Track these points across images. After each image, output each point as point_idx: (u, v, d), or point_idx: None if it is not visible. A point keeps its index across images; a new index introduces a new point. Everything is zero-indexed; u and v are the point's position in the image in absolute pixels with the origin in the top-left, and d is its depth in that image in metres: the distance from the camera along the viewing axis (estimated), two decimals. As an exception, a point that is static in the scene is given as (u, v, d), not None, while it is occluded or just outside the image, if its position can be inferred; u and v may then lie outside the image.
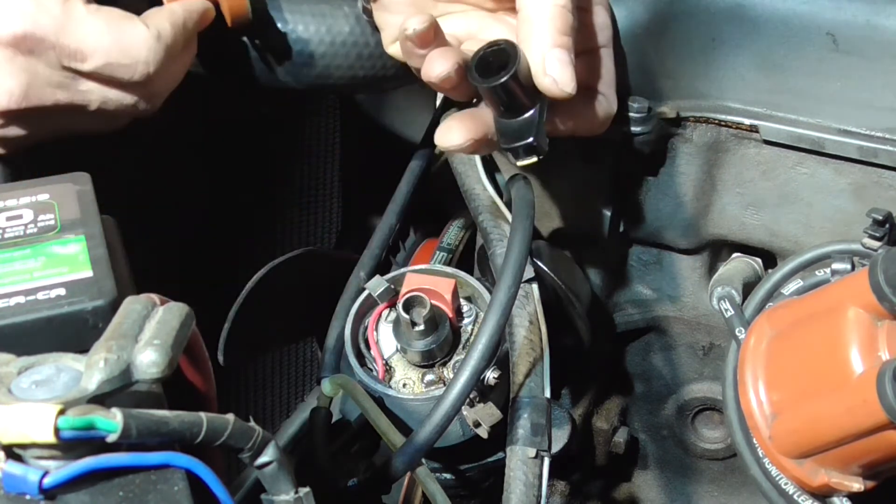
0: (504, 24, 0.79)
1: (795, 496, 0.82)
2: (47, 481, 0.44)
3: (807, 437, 0.77)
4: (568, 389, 1.06)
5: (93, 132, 0.80)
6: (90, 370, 0.46)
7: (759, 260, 0.96)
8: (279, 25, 0.88)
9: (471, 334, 0.82)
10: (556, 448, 0.74)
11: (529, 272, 0.80)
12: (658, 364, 1.07)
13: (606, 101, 0.80)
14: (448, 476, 0.84)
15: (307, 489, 0.52)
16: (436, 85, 0.73)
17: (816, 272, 0.85)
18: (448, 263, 0.99)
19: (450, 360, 0.81)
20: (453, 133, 0.73)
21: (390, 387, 0.79)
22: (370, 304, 0.83)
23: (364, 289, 0.83)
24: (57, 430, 0.43)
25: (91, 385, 0.46)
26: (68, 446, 0.44)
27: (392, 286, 0.82)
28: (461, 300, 0.83)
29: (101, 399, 0.46)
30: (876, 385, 0.69)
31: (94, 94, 0.76)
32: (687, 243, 0.98)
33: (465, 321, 0.83)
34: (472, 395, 0.75)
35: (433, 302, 0.78)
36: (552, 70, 0.70)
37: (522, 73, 0.70)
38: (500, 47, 0.71)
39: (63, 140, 0.80)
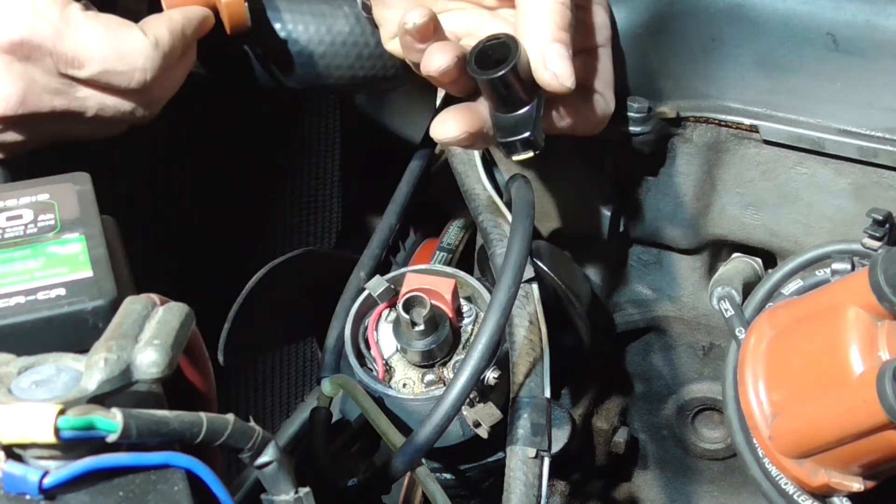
0: (503, 21, 0.79)
1: (795, 496, 0.82)
2: (47, 481, 0.44)
3: (807, 437, 0.77)
4: (568, 389, 1.06)
5: (90, 138, 0.80)
6: (90, 370, 0.46)
7: (759, 260, 0.96)
8: (279, 26, 0.88)
9: (471, 334, 0.82)
10: (556, 448, 0.74)
11: (529, 272, 0.80)
12: (658, 364, 1.07)
13: (604, 101, 0.80)
14: (448, 476, 0.84)
15: (307, 489, 0.52)
16: (435, 79, 0.73)
17: (816, 272, 0.85)
18: (448, 263, 0.99)
19: (450, 360, 0.81)
20: (448, 125, 0.73)
21: (390, 387, 0.79)
22: (370, 304, 0.83)
23: (364, 289, 0.83)
24: (57, 430, 0.43)
25: (91, 385, 0.46)
26: (68, 446, 0.44)
27: (392, 286, 0.82)
28: (461, 300, 0.84)
29: (101, 399, 0.46)
30: (876, 385, 0.69)
31: (92, 101, 0.76)
32: (687, 243, 0.98)
33: (465, 321, 0.83)
34: (472, 395, 0.75)
35: (433, 302, 0.78)
36: (552, 64, 0.70)
37: (522, 66, 0.71)
38: (501, 40, 0.71)
39: (61, 145, 0.80)
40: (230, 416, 0.48)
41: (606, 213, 0.96)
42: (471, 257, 0.99)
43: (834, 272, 0.83)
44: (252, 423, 0.49)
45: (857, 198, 0.87)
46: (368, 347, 0.81)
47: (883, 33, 0.81)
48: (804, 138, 0.86)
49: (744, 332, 0.85)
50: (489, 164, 0.91)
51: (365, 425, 0.76)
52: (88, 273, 0.55)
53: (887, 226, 0.82)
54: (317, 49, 0.89)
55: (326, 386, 0.80)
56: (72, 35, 0.72)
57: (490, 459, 0.84)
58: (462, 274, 0.84)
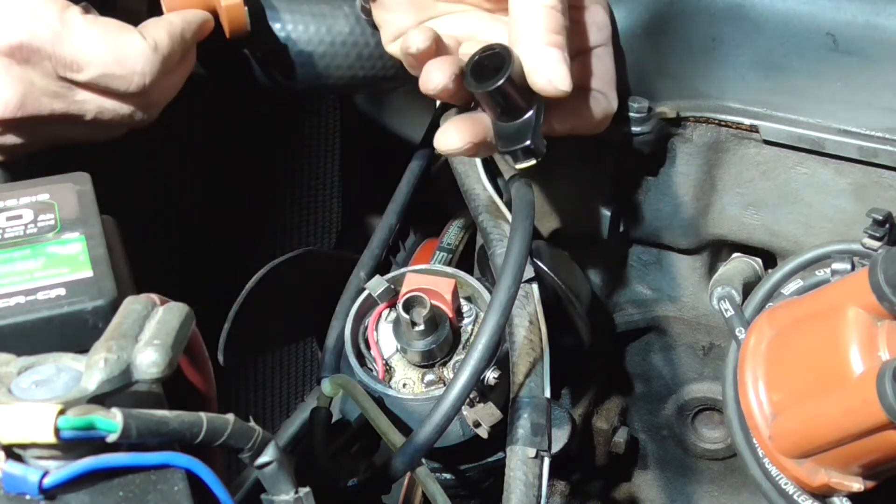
0: (503, 24, 0.79)
1: (795, 496, 0.82)
2: (47, 481, 0.44)
3: (807, 437, 0.77)
4: (568, 389, 1.06)
5: (89, 141, 0.80)
6: (90, 370, 0.46)
7: (759, 260, 0.96)
8: (278, 27, 0.88)
9: (471, 334, 0.82)
10: (556, 448, 0.74)
11: (529, 272, 0.80)
12: (658, 364, 1.07)
13: (606, 100, 0.80)
14: (448, 476, 0.84)
15: (307, 489, 0.52)
16: (433, 95, 0.73)
17: (816, 272, 0.85)
18: (448, 263, 0.99)
19: (450, 360, 0.81)
20: (452, 136, 0.74)
21: (390, 387, 0.79)
22: (370, 304, 0.83)
23: (364, 289, 0.83)
24: (57, 430, 0.43)
25: (91, 385, 0.46)
26: (68, 446, 0.44)
27: (392, 286, 0.82)
28: (461, 300, 0.84)
29: (101, 399, 0.46)
30: (876, 385, 0.69)
31: (91, 105, 0.76)
32: (687, 243, 0.98)
33: (465, 321, 0.83)
34: (472, 395, 0.75)
35: (433, 302, 0.78)
36: (546, 69, 0.70)
37: (517, 75, 0.71)
38: (495, 51, 0.71)
39: (60, 146, 0.80)
40: (230, 416, 0.48)
41: (606, 213, 0.96)
42: (471, 257, 0.99)
43: (834, 272, 0.83)
44: (252, 423, 0.49)
45: (857, 198, 0.87)
46: (368, 347, 0.81)
47: (883, 33, 0.81)
48: (804, 138, 0.86)
49: (744, 332, 0.85)
50: (489, 165, 0.91)
51: (365, 425, 0.76)
52: (88, 273, 0.55)
53: (887, 226, 0.82)
54: (317, 49, 0.89)
55: (326, 386, 0.80)
56: (71, 38, 0.72)
57: (490, 459, 0.84)
58: (462, 274, 0.84)
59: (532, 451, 0.72)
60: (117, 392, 0.46)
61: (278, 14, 0.88)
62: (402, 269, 0.85)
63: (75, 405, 0.44)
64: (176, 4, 0.81)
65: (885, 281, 0.71)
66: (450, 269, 0.85)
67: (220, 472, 0.48)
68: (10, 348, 0.49)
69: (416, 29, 0.74)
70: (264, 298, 0.87)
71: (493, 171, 0.91)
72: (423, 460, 0.72)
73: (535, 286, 0.80)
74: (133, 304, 0.50)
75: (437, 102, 0.93)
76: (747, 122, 0.88)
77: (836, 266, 0.82)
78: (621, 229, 0.98)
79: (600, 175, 0.95)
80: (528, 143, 0.72)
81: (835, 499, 0.81)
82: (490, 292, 0.80)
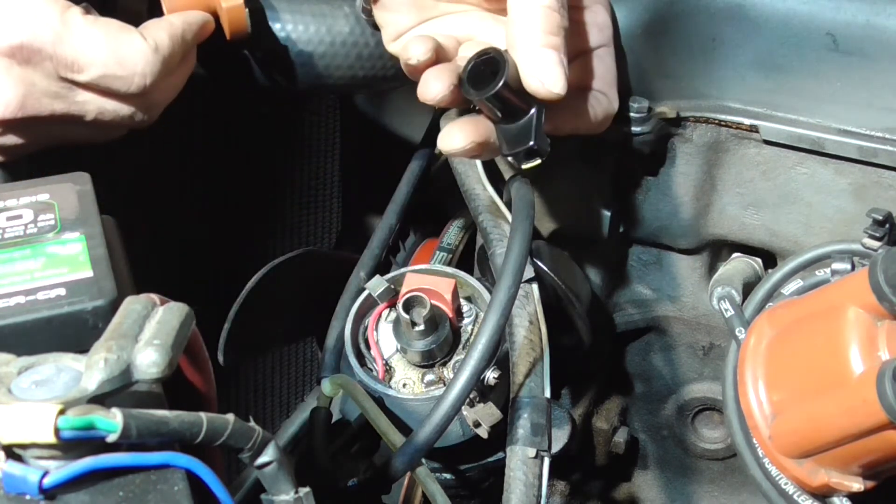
0: (503, 24, 0.79)
1: (795, 496, 0.82)
2: (47, 481, 0.44)
3: (807, 437, 0.77)
4: (568, 389, 1.06)
5: (89, 142, 0.80)
6: (90, 370, 0.46)
7: (759, 260, 0.96)
8: (278, 27, 0.88)
9: (471, 334, 0.82)
10: (556, 448, 0.74)
11: (529, 272, 0.80)
12: (658, 364, 1.07)
13: (607, 100, 0.80)
14: (448, 476, 0.84)
15: (307, 489, 0.52)
16: (432, 104, 0.73)
17: (816, 272, 0.85)
18: (448, 263, 0.99)
19: (450, 360, 0.81)
20: (455, 136, 0.74)
21: (390, 387, 0.79)
22: (370, 304, 0.83)
23: (364, 289, 0.83)
24: (57, 430, 0.43)
25: (91, 385, 0.46)
26: (68, 446, 0.44)
27: (392, 286, 0.82)
28: (461, 300, 0.84)
29: (101, 399, 0.46)
30: (876, 385, 0.69)
31: (91, 105, 0.76)
32: (687, 243, 0.98)
33: (465, 321, 0.83)
34: (472, 395, 0.75)
35: (433, 302, 0.78)
36: (539, 72, 0.70)
37: (513, 78, 0.70)
38: (490, 56, 0.71)
39: (61, 146, 0.80)
40: (230, 416, 0.48)
41: (606, 213, 0.96)
42: (471, 257, 0.99)
43: (834, 272, 0.83)
44: (252, 423, 0.49)
45: (857, 198, 0.87)
46: (368, 347, 0.81)
47: (883, 33, 0.81)
48: (804, 138, 0.86)
49: (744, 332, 0.85)
50: (489, 165, 0.91)
51: (365, 425, 0.76)
52: (88, 273, 0.55)
53: (887, 226, 0.82)
54: (317, 49, 0.89)
55: (326, 386, 0.80)
56: (72, 39, 0.72)
57: (490, 459, 0.84)
58: (462, 274, 0.84)
59: (532, 451, 0.72)
60: (117, 392, 0.46)
61: (278, 14, 0.88)
62: (402, 269, 0.85)
63: (75, 405, 0.44)
64: (177, 6, 0.81)
65: (885, 281, 0.71)
66: (450, 269, 0.85)
67: (220, 472, 0.48)
68: (10, 348, 0.49)
69: (416, 38, 0.74)
70: (264, 298, 0.87)
71: (493, 172, 0.91)
72: (423, 460, 0.72)
73: (535, 286, 0.80)
74: (133, 304, 0.50)
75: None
76: (747, 122, 0.88)
77: (836, 266, 0.82)
78: (621, 229, 0.98)
79: (600, 175, 0.95)
80: (531, 144, 0.72)
81: (835, 499, 0.81)
82: (490, 292, 0.80)
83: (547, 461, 0.73)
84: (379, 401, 0.77)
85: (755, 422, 0.81)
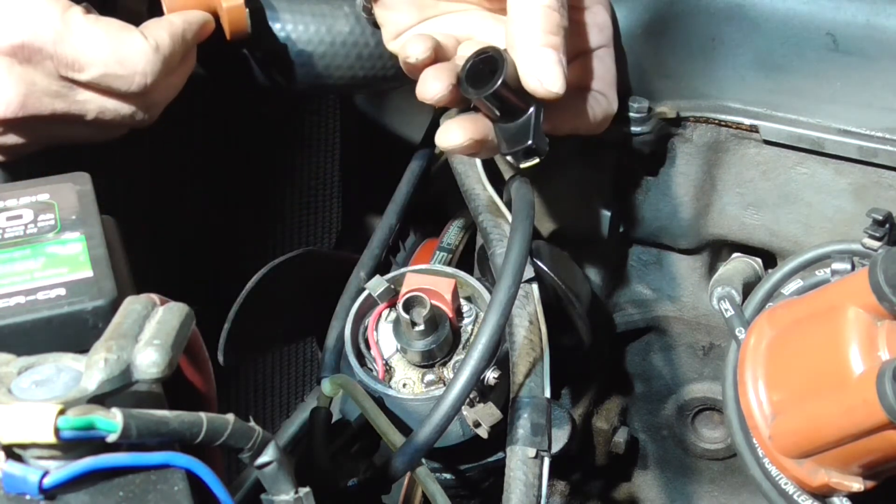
0: (503, 24, 0.79)
1: (795, 496, 0.82)
2: (47, 481, 0.44)
3: (807, 437, 0.77)
4: (568, 389, 1.06)
5: (89, 141, 0.80)
6: (90, 370, 0.46)
7: (759, 260, 0.96)
8: (278, 27, 0.88)
9: (471, 334, 0.82)
10: (556, 448, 0.74)
11: (529, 272, 0.80)
12: (658, 364, 1.07)
13: (606, 101, 0.80)
14: (448, 476, 0.84)
15: (307, 489, 0.52)
16: (431, 103, 0.74)
17: (816, 272, 0.85)
18: (448, 263, 0.99)
19: (450, 360, 0.81)
20: (454, 133, 0.74)
21: (390, 387, 0.79)
22: (370, 304, 0.83)
23: (364, 289, 0.83)
24: (57, 430, 0.43)
25: (91, 385, 0.45)
26: (68, 446, 0.44)
27: (392, 286, 0.82)
28: (461, 300, 0.84)
29: (101, 399, 0.45)
30: (876, 385, 0.69)
31: (92, 105, 0.76)
32: (687, 243, 0.98)
33: (465, 321, 0.83)
34: (472, 395, 0.75)
35: (433, 302, 0.78)
36: (538, 71, 0.70)
37: (511, 77, 0.70)
38: (489, 55, 0.71)
39: (61, 146, 0.80)
40: (230, 416, 0.48)
41: (606, 213, 0.96)
42: (471, 257, 0.99)
43: (834, 272, 0.83)
44: (252, 423, 0.49)
45: (857, 198, 0.87)
46: (368, 347, 0.81)
47: (883, 33, 0.81)
48: (804, 138, 0.86)
49: (744, 332, 0.85)
50: (489, 165, 0.91)
51: (365, 425, 0.76)
52: (88, 273, 0.55)
53: (887, 226, 0.82)
54: (317, 49, 0.89)
55: (326, 386, 0.80)
56: (73, 38, 0.72)
57: (490, 459, 0.84)
58: (462, 274, 0.84)
59: (532, 451, 0.72)
60: (117, 392, 0.46)
61: (278, 14, 0.88)
62: (402, 269, 0.85)
63: (75, 405, 0.44)
64: (177, 5, 0.81)
65: (885, 281, 0.71)
66: (450, 269, 0.85)
67: (220, 472, 0.48)
68: (10, 348, 0.49)
69: (414, 36, 0.74)
70: (264, 298, 0.87)
71: (493, 172, 0.91)
72: (423, 460, 0.72)
73: (535, 286, 0.80)
74: (133, 304, 0.50)
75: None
76: (747, 122, 0.88)
77: (836, 266, 0.82)
78: (621, 229, 0.98)
79: (600, 175, 0.95)
80: (529, 143, 0.72)
81: (835, 499, 0.81)
82: (490, 292, 0.80)
83: (547, 461, 0.73)
84: (379, 401, 0.77)
85: (755, 422, 0.81)
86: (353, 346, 0.80)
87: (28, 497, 0.44)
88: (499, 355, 0.77)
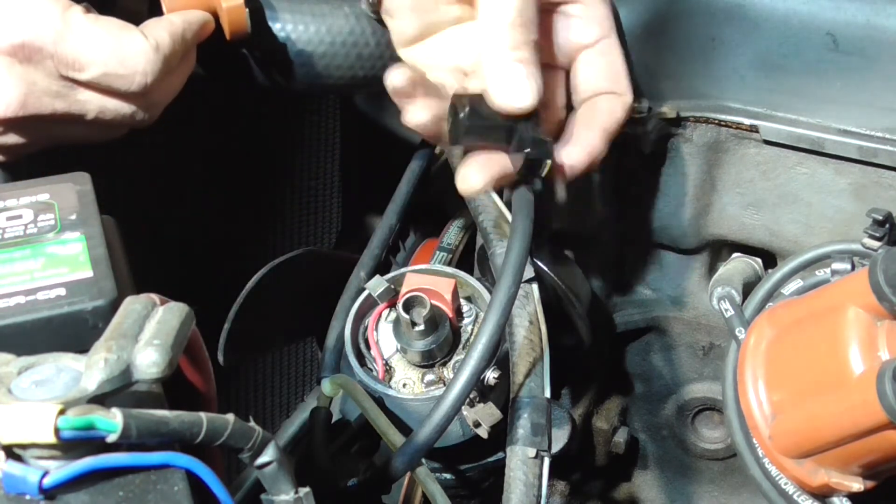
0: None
1: (795, 496, 0.82)
2: (47, 481, 0.44)
3: (807, 437, 0.77)
4: (568, 389, 1.06)
5: (90, 141, 0.80)
6: (90, 370, 0.46)
7: (759, 260, 0.96)
8: (278, 27, 0.88)
9: (471, 334, 0.82)
10: (556, 448, 0.74)
11: (529, 272, 0.80)
12: (658, 364, 1.07)
13: (617, 97, 0.79)
14: (448, 476, 0.84)
15: (307, 489, 0.52)
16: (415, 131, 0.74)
17: (816, 272, 0.85)
18: (448, 263, 0.99)
19: (450, 360, 0.81)
20: (474, 178, 0.74)
21: (390, 387, 0.79)
22: (370, 304, 0.83)
23: (364, 289, 0.83)
24: (57, 430, 0.43)
25: (91, 385, 0.45)
26: (68, 446, 0.44)
27: (392, 286, 0.82)
28: (461, 300, 0.84)
29: (101, 399, 0.45)
30: (876, 385, 0.69)
31: (92, 104, 0.76)
32: (687, 243, 0.98)
33: (465, 321, 0.83)
34: (472, 395, 0.76)
35: (433, 302, 0.78)
36: (501, 89, 0.70)
37: (485, 106, 0.71)
38: (451, 103, 0.72)
39: (61, 146, 0.80)
40: (230, 416, 0.48)
41: (606, 213, 0.96)
42: (471, 257, 0.99)
43: (834, 272, 0.83)
44: (252, 423, 0.49)
45: (857, 198, 0.87)
46: (368, 347, 0.81)
47: (883, 33, 0.81)
48: (804, 138, 0.86)
49: (744, 332, 0.85)
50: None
51: (365, 425, 0.76)
52: (88, 273, 0.55)
53: (887, 226, 0.82)
54: (317, 49, 0.89)
55: (326, 386, 0.80)
56: (73, 38, 0.72)
57: (490, 459, 0.84)
58: (462, 274, 0.84)
59: (532, 451, 0.72)
60: (117, 392, 0.46)
61: (278, 14, 0.88)
62: (402, 269, 0.85)
63: (75, 405, 0.44)
64: (176, 5, 0.81)
65: (885, 281, 0.71)
66: (450, 269, 0.85)
67: (220, 472, 0.48)
68: (10, 348, 0.49)
69: (396, 67, 0.74)
70: (264, 298, 0.87)
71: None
72: (423, 460, 0.72)
73: (535, 286, 0.80)
74: (133, 304, 0.50)
75: None
76: (747, 122, 0.88)
77: (836, 266, 0.82)
78: (621, 229, 0.98)
79: (600, 175, 0.95)
80: (527, 151, 0.72)
81: (835, 499, 0.81)
82: (490, 292, 0.80)
83: (547, 461, 0.73)
84: (379, 401, 0.77)
85: (755, 422, 0.81)
86: (353, 346, 0.80)
87: (28, 497, 0.44)
88: (499, 355, 0.77)
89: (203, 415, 0.47)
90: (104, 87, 0.75)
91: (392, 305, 0.83)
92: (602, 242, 0.98)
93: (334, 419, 0.81)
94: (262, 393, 1.28)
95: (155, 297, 0.51)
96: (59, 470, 0.44)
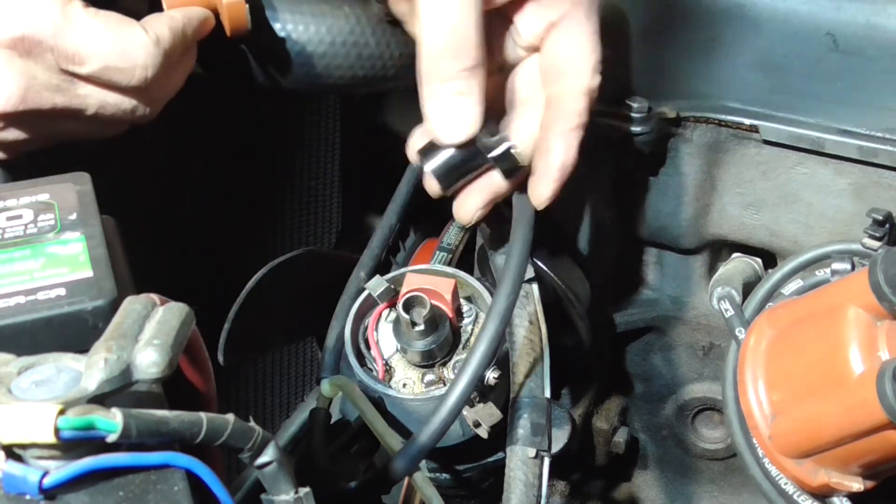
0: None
1: (795, 496, 0.82)
2: (47, 481, 0.44)
3: (806, 437, 0.77)
4: (568, 389, 1.06)
5: (91, 138, 0.80)
6: (90, 370, 0.46)
7: (759, 260, 0.96)
8: (278, 26, 0.88)
9: (471, 334, 0.82)
10: (556, 448, 0.74)
11: (529, 272, 0.80)
12: (658, 364, 1.07)
13: (581, 77, 0.72)
14: (448, 476, 0.84)
15: (307, 489, 0.52)
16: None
17: (816, 272, 0.85)
18: (448, 263, 0.99)
19: (450, 360, 0.81)
20: (467, 207, 0.76)
21: (390, 387, 0.79)
22: (370, 304, 0.83)
23: (364, 289, 0.83)
24: (57, 430, 0.43)
25: (91, 385, 0.45)
26: (68, 446, 0.44)
27: (392, 286, 0.82)
28: (461, 300, 0.83)
29: (101, 399, 0.45)
30: (876, 385, 0.69)
31: (92, 99, 0.76)
32: (687, 243, 0.98)
33: (465, 321, 0.83)
34: (472, 396, 0.75)
35: (433, 302, 0.78)
36: (437, 123, 0.71)
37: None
38: (415, 155, 0.75)
39: (61, 144, 0.79)
40: (230, 416, 0.48)
41: (606, 213, 0.96)
42: (471, 257, 0.99)
43: (834, 272, 0.83)
44: (252, 423, 0.49)
45: (857, 198, 0.87)
46: (368, 347, 0.81)
47: (883, 33, 0.81)
48: (804, 138, 0.86)
49: (744, 332, 0.85)
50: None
51: (365, 426, 0.76)
52: (88, 273, 0.55)
53: (887, 226, 0.82)
54: (317, 49, 0.89)
55: (325, 387, 0.80)
56: (73, 31, 0.72)
57: (490, 459, 0.84)
58: (462, 274, 0.84)
59: (532, 451, 0.72)
60: (117, 392, 0.46)
61: (279, 13, 0.88)
62: (402, 269, 0.85)
63: (75, 405, 0.44)
64: (177, 1, 0.81)
65: (885, 281, 0.71)
66: (450, 269, 0.85)
67: (220, 472, 0.48)
68: (10, 348, 0.49)
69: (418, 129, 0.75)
70: (264, 298, 0.87)
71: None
72: (423, 461, 0.72)
73: (535, 286, 0.80)
74: (133, 304, 0.50)
75: None
76: (747, 122, 0.88)
77: (836, 266, 0.82)
78: (621, 229, 0.98)
79: (600, 175, 0.95)
80: (488, 164, 0.73)
81: (835, 499, 0.81)
82: (490, 293, 0.80)
83: (547, 461, 0.73)
84: (379, 401, 0.77)
85: (755, 422, 0.81)
86: (353, 346, 0.80)
87: (28, 497, 0.44)
88: (499, 355, 0.77)
89: (203, 415, 0.47)
90: (104, 81, 0.75)
91: (392, 305, 0.83)
92: (602, 242, 0.98)
93: (334, 419, 0.81)
94: (262, 393, 1.28)
95: (155, 297, 0.51)
96: (59, 470, 0.44)
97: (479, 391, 0.77)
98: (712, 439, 1.09)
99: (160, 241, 1.00)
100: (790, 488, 0.82)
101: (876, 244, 0.82)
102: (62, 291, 0.53)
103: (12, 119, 0.74)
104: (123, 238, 0.61)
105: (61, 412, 0.43)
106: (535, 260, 0.84)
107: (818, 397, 0.75)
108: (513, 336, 0.77)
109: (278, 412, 1.30)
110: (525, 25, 0.73)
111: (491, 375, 0.77)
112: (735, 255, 0.97)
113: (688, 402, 1.07)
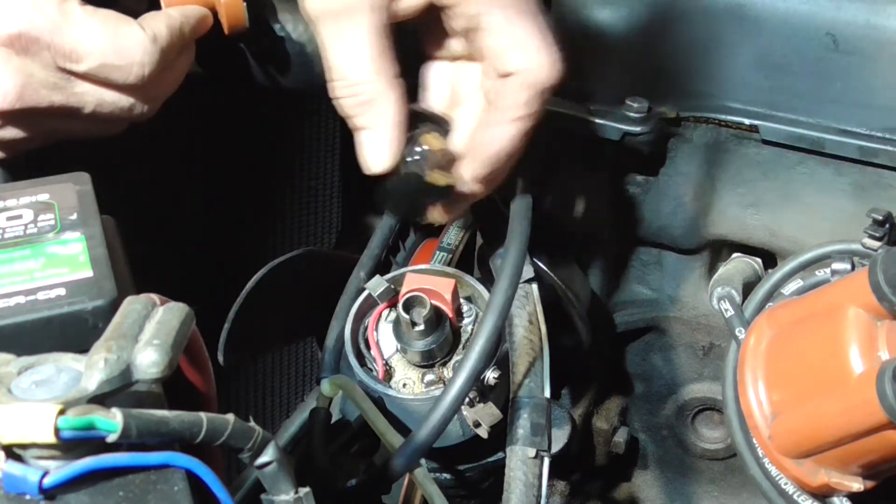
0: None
1: (795, 496, 0.82)
2: (47, 481, 0.44)
3: (806, 437, 0.77)
4: (568, 389, 1.06)
5: (89, 136, 0.80)
6: (90, 370, 0.46)
7: (759, 260, 0.96)
8: (277, 27, 0.88)
9: (471, 334, 0.82)
10: (556, 448, 0.74)
11: (529, 272, 0.80)
12: (658, 364, 1.07)
13: (518, 57, 0.68)
14: (448, 476, 0.84)
15: (307, 489, 0.52)
16: None
17: (816, 272, 0.85)
18: (448, 263, 0.99)
19: (450, 360, 0.81)
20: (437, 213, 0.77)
21: (390, 387, 0.79)
22: (370, 304, 0.83)
23: (364, 289, 0.83)
24: (57, 430, 0.43)
25: (91, 385, 0.45)
26: (68, 446, 0.44)
27: (392, 286, 0.82)
28: (461, 300, 0.83)
29: (101, 399, 0.45)
30: (876, 385, 0.69)
31: (90, 96, 0.76)
32: (687, 243, 0.98)
33: (465, 321, 0.83)
34: (471, 395, 0.75)
35: (433, 302, 0.78)
36: (360, 155, 0.71)
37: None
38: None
39: (60, 144, 0.79)
40: (230, 416, 0.48)
41: (606, 213, 0.96)
42: (471, 257, 0.99)
43: (834, 272, 0.83)
44: (252, 423, 0.49)
45: (857, 198, 0.87)
46: (368, 347, 0.81)
47: (883, 33, 0.81)
48: (804, 138, 0.86)
49: (744, 332, 0.85)
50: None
51: (365, 425, 0.76)
52: (88, 273, 0.55)
53: (887, 226, 0.82)
54: (316, 48, 0.88)
55: (325, 386, 0.80)
56: (70, 29, 0.72)
57: (490, 459, 0.84)
58: (462, 274, 0.84)
59: (532, 451, 0.72)
60: (117, 392, 0.46)
61: (277, 13, 0.88)
62: (402, 269, 0.85)
63: (75, 405, 0.44)
64: (175, 0, 0.81)
65: (885, 281, 0.71)
66: (450, 269, 0.85)
67: (220, 472, 0.48)
68: (10, 348, 0.49)
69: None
70: (264, 298, 0.87)
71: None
72: (423, 461, 0.72)
73: (534, 286, 0.80)
74: (133, 304, 0.50)
75: None
76: (747, 122, 0.88)
77: (836, 266, 0.82)
78: (621, 229, 0.98)
79: (600, 175, 0.95)
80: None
81: (835, 499, 0.81)
82: (490, 292, 0.80)
83: (547, 461, 0.73)
84: (379, 401, 0.77)
85: (755, 422, 0.81)
86: (353, 346, 0.80)
87: (28, 497, 0.44)
88: (499, 355, 0.77)
89: (203, 415, 0.47)
90: (102, 79, 0.75)
91: (392, 305, 0.83)
92: (602, 242, 0.98)
93: (334, 419, 0.81)
94: (262, 393, 1.28)
95: (155, 297, 0.51)
96: (59, 470, 0.44)
97: (479, 391, 0.77)
98: (712, 439, 1.09)
99: (160, 241, 1.00)
100: (790, 488, 0.82)
101: (876, 244, 0.82)
102: (62, 291, 0.53)
103: (9, 117, 0.74)
104: (123, 238, 0.61)
105: (61, 412, 0.43)
106: (534, 260, 0.84)
107: (818, 397, 0.75)
108: (512, 336, 0.77)
109: (278, 412, 1.30)
110: (449, 25, 0.72)
111: (491, 375, 0.77)
112: (735, 255, 0.97)
113: (688, 402, 1.07)
